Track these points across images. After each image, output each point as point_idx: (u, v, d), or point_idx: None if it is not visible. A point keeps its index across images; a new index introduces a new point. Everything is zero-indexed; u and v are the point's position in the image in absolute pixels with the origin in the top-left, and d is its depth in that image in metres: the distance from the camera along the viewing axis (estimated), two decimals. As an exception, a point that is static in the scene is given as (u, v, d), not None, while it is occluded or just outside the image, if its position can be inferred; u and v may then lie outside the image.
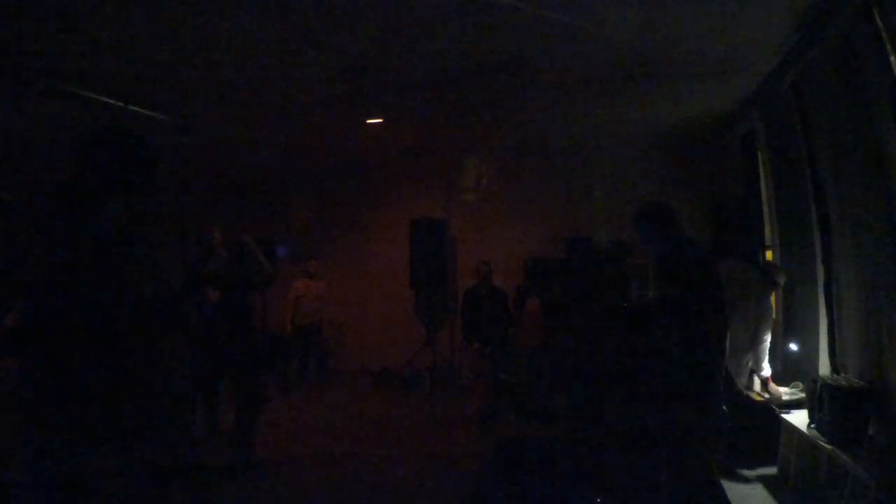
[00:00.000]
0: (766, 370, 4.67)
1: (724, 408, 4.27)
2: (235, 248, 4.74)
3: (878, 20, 3.12)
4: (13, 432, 1.74)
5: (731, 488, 3.84)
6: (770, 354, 4.74)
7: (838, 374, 4.03)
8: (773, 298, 4.94)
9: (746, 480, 4.26)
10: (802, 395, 4.29)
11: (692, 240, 3.74)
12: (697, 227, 6.95)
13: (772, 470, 4.31)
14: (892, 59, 3.07)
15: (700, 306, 3.57)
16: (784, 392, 4.57)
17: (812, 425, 3.70)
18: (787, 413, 4.17)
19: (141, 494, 1.75)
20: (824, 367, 4.43)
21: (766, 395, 4.61)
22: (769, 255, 5.53)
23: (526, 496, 3.69)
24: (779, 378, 4.81)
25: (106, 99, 5.22)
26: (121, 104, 5.32)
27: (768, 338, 4.69)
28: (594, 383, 5.64)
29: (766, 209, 5.57)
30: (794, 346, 4.83)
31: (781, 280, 4.83)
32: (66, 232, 1.73)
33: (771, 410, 4.38)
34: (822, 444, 3.51)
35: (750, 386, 4.74)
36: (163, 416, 1.82)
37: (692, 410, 4.22)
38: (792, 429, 4.02)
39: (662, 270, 3.69)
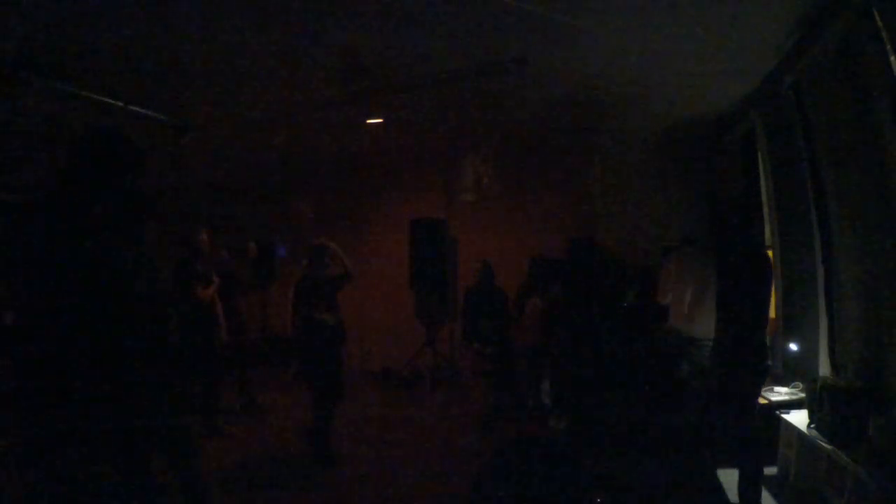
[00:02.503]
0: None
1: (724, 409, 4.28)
2: (315, 252, 5.01)
3: (878, 20, 3.12)
4: (11, 432, 1.74)
5: (732, 488, 3.83)
6: (770, 354, 4.71)
7: (838, 374, 4.03)
8: None
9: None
10: (802, 395, 4.29)
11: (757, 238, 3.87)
12: (697, 226, 6.94)
13: (772, 470, 4.31)
14: (892, 59, 3.06)
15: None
16: (785, 391, 4.58)
17: (812, 425, 3.70)
18: (787, 413, 4.17)
19: (140, 494, 1.75)
20: (824, 367, 4.43)
21: None
22: (769, 255, 5.53)
23: (526, 496, 3.69)
24: (778, 378, 4.81)
25: (106, 99, 5.22)
26: (121, 104, 5.31)
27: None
28: (594, 383, 5.64)
29: (766, 209, 5.57)
30: (794, 346, 4.83)
31: None
32: (61, 232, 1.73)
33: (771, 410, 4.38)
34: (822, 444, 3.51)
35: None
36: (161, 414, 1.82)
37: (693, 411, 4.22)
38: (792, 429, 4.02)
39: (729, 264, 3.76)
